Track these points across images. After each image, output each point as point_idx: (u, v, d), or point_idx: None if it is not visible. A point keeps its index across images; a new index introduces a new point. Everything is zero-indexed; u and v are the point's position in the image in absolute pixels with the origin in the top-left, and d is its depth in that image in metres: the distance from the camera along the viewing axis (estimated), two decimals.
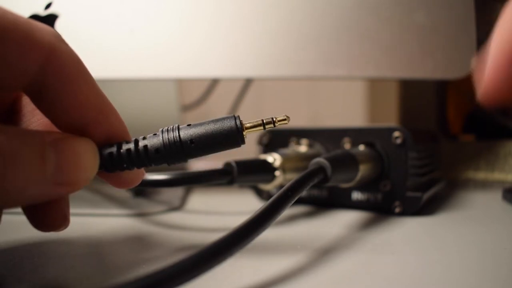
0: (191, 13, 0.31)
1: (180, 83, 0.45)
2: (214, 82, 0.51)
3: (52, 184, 0.15)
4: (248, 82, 0.50)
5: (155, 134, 0.17)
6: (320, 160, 0.23)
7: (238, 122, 0.17)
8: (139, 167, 0.17)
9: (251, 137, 0.37)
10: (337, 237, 0.23)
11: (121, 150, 0.17)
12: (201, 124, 0.17)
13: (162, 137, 0.17)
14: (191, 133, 0.17)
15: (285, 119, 0.17)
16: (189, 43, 0.31)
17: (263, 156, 0.28)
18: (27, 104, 0.19)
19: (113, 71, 0.31)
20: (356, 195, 0.30)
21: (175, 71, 0.31)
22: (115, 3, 0.31)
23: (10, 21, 0.14)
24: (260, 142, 0.34)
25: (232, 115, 0.17)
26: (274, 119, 0.17)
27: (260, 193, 0.34)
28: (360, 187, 0.29)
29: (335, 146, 0.30)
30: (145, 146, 0.17)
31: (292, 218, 0.28)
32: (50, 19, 0.30)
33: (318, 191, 0.31)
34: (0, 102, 0.19)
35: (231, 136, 0.17)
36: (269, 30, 0.30)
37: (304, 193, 0.23)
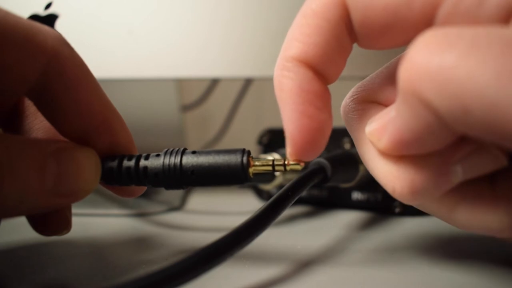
0: (191, 12, 0.31)
1: (180, 83, 0.45)
2: (214, 82, 0.50)
3: (51, 195, 0.14)
4: (248, 82, 0.50)
5: (158, 155, 0.17)
6: (320, 160, 0.23)
7: (245, 159, 0.16)
8: (137, 185, 0.17)
9: (251, 137, 0.37)
10: (337, 237, 0.23)
11: (121, 167, 0.16)
12: (206, 154, 0.16)
13: (163, 162, 0.16)
14: (194, 163, 0.16)
15: (298, 164, 0.16)
16: (189, 43, 0.31)
17: (262, 156, 0.28)
18: (30, 106, 0.19)
19: (113, 71, 0.31)
20: (356, 195, 0.30)
21: (175, 71, 0.31)
22: (113, 3, 0.31)
23: (11, 23, 0.14)
24: (260, 142, 0.34)
25: (241, 149, 0.16)
26: (285, 163, 0.16)
27: (260, 193, 0.33)
28: (360, 187, 0.29)
29: (335, 146, 0.30)
30: (145, 168, 0.16)
31: (292, 218, 0.28)
32: (50, 19, 0.30)
33: (318, 191, 0.31)
34: (2, 105, 0.18)
35: (235, 173, 0.16)
36: (269, 30, 0.30)
37: (304, 193, 0.23)
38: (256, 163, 0.16)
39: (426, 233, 0.24)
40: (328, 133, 0.16)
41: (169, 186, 0.17)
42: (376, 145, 0.15)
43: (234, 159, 0.16)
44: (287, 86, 0.15)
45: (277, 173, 0.27)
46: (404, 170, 0.14)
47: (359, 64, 0.30)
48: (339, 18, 0.15)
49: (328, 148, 0.31)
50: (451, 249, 0.20)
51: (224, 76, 0.31)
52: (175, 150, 0.16)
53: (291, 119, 0.15)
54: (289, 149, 0.16)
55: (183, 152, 0.16)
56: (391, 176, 0.15)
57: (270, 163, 0.16)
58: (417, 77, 0.12)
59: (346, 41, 0.15)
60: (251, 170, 0.16)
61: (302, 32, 0.15)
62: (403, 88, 0.12)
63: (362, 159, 0.17)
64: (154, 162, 0.16)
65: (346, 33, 0.15)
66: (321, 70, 0.15)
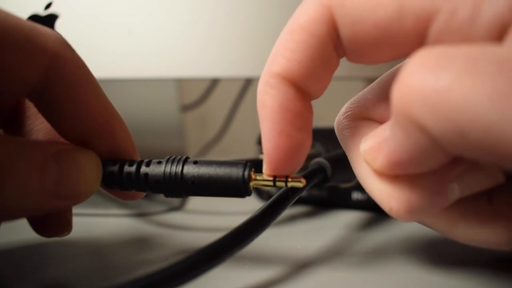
0: (191, 12, 0.31)
1: (180, 83, 0.45)
2: (214, 82, 0.50)
3: (52, 197, 0.14)
4: (248, 82, 0.50)
5: (159, 162, 0.17)
6: (320, 160, 0.23)
7: (246, 173, 0.16)
8: (137, 190, 0.17)
9: (251, 137, 0.37)
10: (337, 237, 0.23)
11: (122, 172, 0.16)
12: (208, 164, 0.16)
13: (164, 170, 0.16)
14: (195, 173, 0.16)
15: (299, 181, 0.16)
16: (189, 43, 0.31)
17: (263, 156, 0.28)
18: (31, 107, 0.19)
19: (113, 71, 0.31)
20: (356, 195, 0.30)
21: (175, 71, 0.31)
22: (113, 3, 0.31)
23: (11, 25, 0.14)
24: (259, 142, 0.34)
25: (243, 162, 0.16)
26: (287, 180, 0.16)
27: (260, 193, 0.33)
28: (360, 187, 0.29)
29: (335, 146, 0.30)
30: (146, 174, 0.16)
31: (292, 218, 0.28)
32: (50, 19, 0.30)
33: (318, 191, 0.31)
34: (2, 107, 0.18)
35: (236, 187, 0.16)
36: (269, 30, 0.30)
37: (304, 193, 0.23)
38: (258, 177, 0.16)
39: (426, 233, 0.24)
40: (305, 152, 0.16)
41: (169, 194, 0.17)
42: (371, 165, 0.15)
43: (236, 172, 0.16)
44: (268, 103, 0.15)
45: None
46: (400, 189, 0.14)
47: (359, 64, 0.30)
48: (326, 34, 0.14)
49: (328, 148, 0.31)
50: (451, 250, 0.20)
51: (224, 76, 0.31)
52: (177, 159, 0.16)
53: (269, 137, 0.15)
54: (264, 166, 0.16)
55: (185, 161, 0.16)
56: (387, 195, 0.15)
57: (271, 179, 0.16)
58: (410, 99, 0.11)
59: (333, 56, 0.15)
60: (252, 184, 0.16)
61: (287, 48, 0.15)
62: (397, 110, 0.12)
63: (357, 177, 0.16)
64: (155, 169, 0.16)
65: (333, 48, 0.15)
66: (305, 87, 0.15)
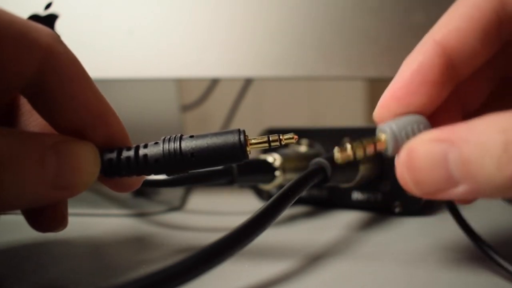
0: (191, 13, 0.31)
1: (180, 83, 0.45)
2: (214, 82, 0.50)
3: (51, 188, 0.14)
4: (248, 82, 0.50)
5: (156, 143, 0.17)
6: (320, 160, 0.23)
7: (242, 138, 0.16)
8: (138, 175, 0.17)
9: (251, 137, 0.37)
10: (337, 237, 0.23)
11: (121, 157, 0.17)
12: (204, 136, 0.17)
13: (163, 147, 0.16)
14: (193, 146, 0.16)
15: (292, 138, 0.17)
16: (189, 43, 0.31)
17: (263, 156, 0.28)
18: (25, 103, 0.19)
19: (113, 71, 0.31)
20: (356, 195, 0.30)
21: (175, 71, 0.31)
22: (114, 3, 0.31)
23: (5, 21, 0.14)
24: None
25: (237, 129, 0.17)
26: (280, 137, 0.17)
27: (260, 193, 0.33)
28: (360, 187, 0.29)
29: (335, 146, 0.30)
30: (145, 155, 0.17)
31: (292, 218, 0.28)
32: (50, 19, 0.30)
33: (318, 191, 0.31)
34: None
35: (234, 152, 0.16)
36: (269, 30, 0.30)
37: (304, 193, 0.23)
38: (253, 141, 0.17)
39: (426, 233, 0.24)
40: (416, 106, 0.17)
41: (170, 172, 0.17)
42: None
43: (232, 138, 0.16)
44: (414, 60, 0.16)
45: (277, 173, 0.27)
46: None
47: (359, 64, 0.30)
48: (492, 10, 0.15)
49: (328, 148, 0.31)
50: (451, 249, 0.20)
51: (224, 76, 0.31)
52: (173, 137, 0.17)
53: (398, 78, 0.17)
54: (385, 93, 0.17)
55: (181, 137, 0.17)
56: None
57: (266, 139, 0.17)
58: None
59: (494, 35, 0.15)
60: (248, 148, 0.17)
61: (451, 17, 0.16)
62: None
63: None
64: (153, 149, 0.17)
65: (496, 27, 0.15)
66: (456, 59, 0.16)
